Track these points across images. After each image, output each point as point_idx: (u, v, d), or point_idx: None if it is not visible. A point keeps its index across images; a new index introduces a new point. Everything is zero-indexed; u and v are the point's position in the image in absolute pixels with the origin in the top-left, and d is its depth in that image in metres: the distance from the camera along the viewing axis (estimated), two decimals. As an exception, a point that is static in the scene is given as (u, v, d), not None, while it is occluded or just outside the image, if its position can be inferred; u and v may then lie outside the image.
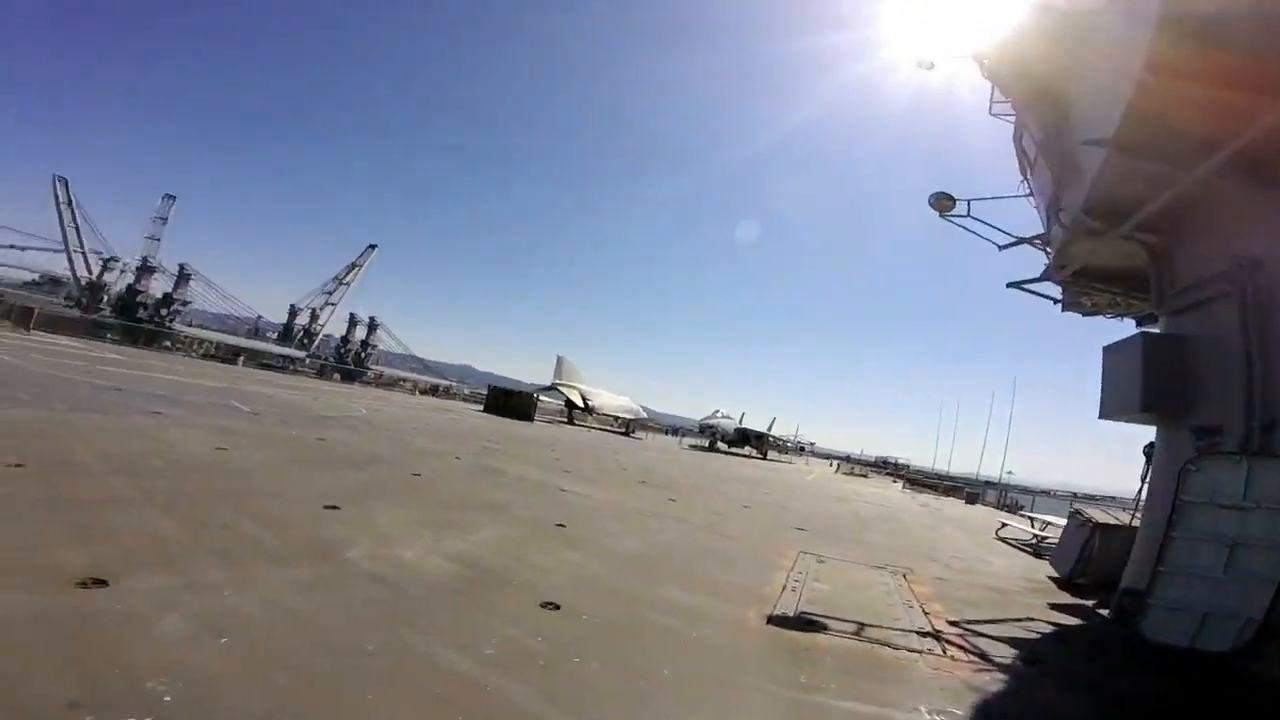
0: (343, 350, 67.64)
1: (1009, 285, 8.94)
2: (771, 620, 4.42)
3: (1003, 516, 18.00)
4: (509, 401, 33.79)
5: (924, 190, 8.85)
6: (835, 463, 64.55)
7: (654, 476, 14.21)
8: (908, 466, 66.15)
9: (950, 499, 30.46)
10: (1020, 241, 8.82)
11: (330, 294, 69.38)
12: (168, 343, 44.56)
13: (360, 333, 68.64)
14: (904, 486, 34.95)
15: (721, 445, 44.61)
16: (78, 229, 56.91)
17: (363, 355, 68.26)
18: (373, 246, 72.37)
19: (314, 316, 68.49)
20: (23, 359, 13.21)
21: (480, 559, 4.48)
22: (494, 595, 3.81)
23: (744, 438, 45.66)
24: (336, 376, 53.71)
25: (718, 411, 46.44)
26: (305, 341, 66.60)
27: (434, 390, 63.35)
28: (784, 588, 5.42)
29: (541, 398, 41.16)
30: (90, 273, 57.45)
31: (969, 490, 32.88)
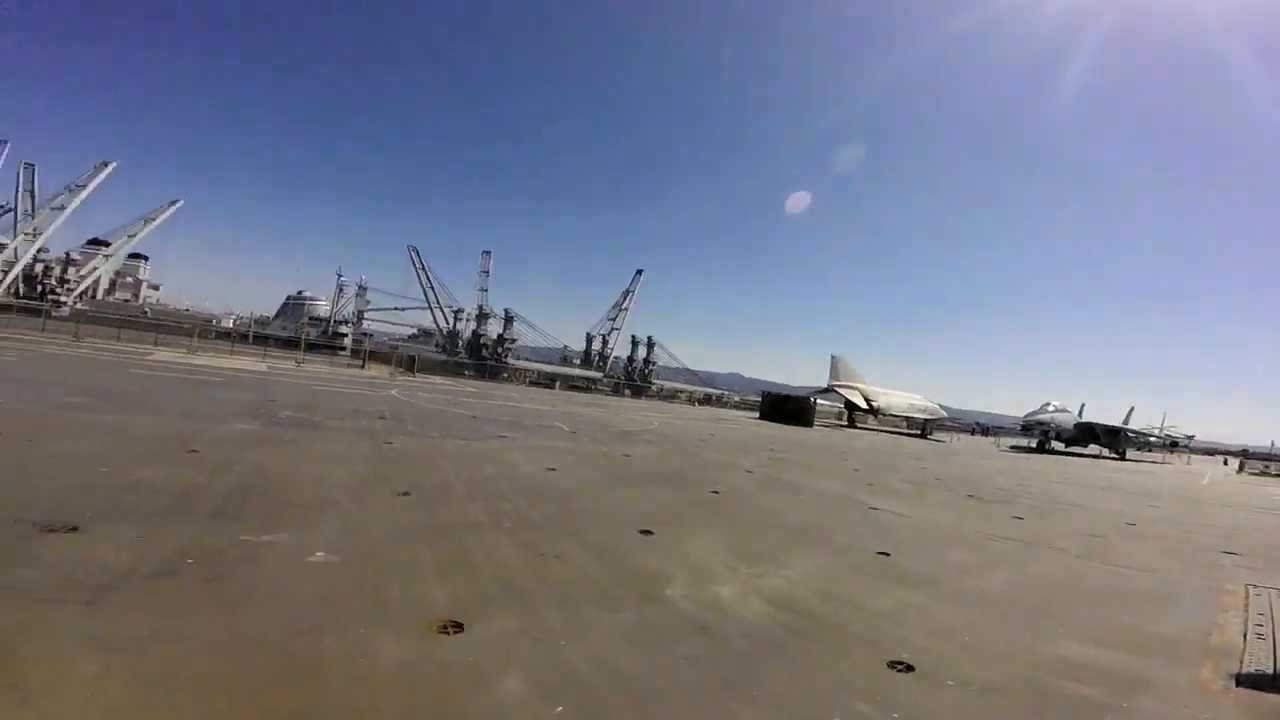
0: (630, 368, 74.95)
1: None
2: (1242, 682, 3.17)
3: None
4: (785, 407, 33.23)
5: None
6: (1229, 460, 49.43)
7: (982, 489, 12.12)
8: None
9: None
10: None
11: (614, 320, 77.58)
12: (505, 374, 53.69)
13: (641, 352, 75.57)
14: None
15: (1056, 445, 37.43)
16: (434, 289, 72.60)
17: (646, 372, 74.87)
18: (639, 271, 78.47)
19: (604, 342, 77.10)
20: (410, 396, 16.94)
21: (801, 600, 3.95)
22: (827, 651, 3.25)
23: (1089, 434, 37.58)
24: (627, 392, 59.05)
25: (1048, 405, 38.17)
26: (600, 364, 75.31)
27: (707, 399, 65.65)
28: (1245, 635, 3.96)
29: (819, 401, 39.41)
30: (448, 323, 73.30)
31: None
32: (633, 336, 76.35)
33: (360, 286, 74.00)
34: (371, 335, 76.47)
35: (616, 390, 60.73)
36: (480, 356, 64.33)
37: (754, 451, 14.06)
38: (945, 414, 49.04)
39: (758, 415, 34.93)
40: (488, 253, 73.39)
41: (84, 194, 60.74)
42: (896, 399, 43.18)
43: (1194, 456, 49.49)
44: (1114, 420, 41.91)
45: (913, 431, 40.67)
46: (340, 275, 72.81)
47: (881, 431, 37.82)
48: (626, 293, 77.58)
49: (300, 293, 78.20)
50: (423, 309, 74.33)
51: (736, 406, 55.75)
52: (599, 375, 70.88)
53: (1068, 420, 38.40)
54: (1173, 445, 47.19)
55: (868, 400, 40.94)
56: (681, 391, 70.88)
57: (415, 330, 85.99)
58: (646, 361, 75.76)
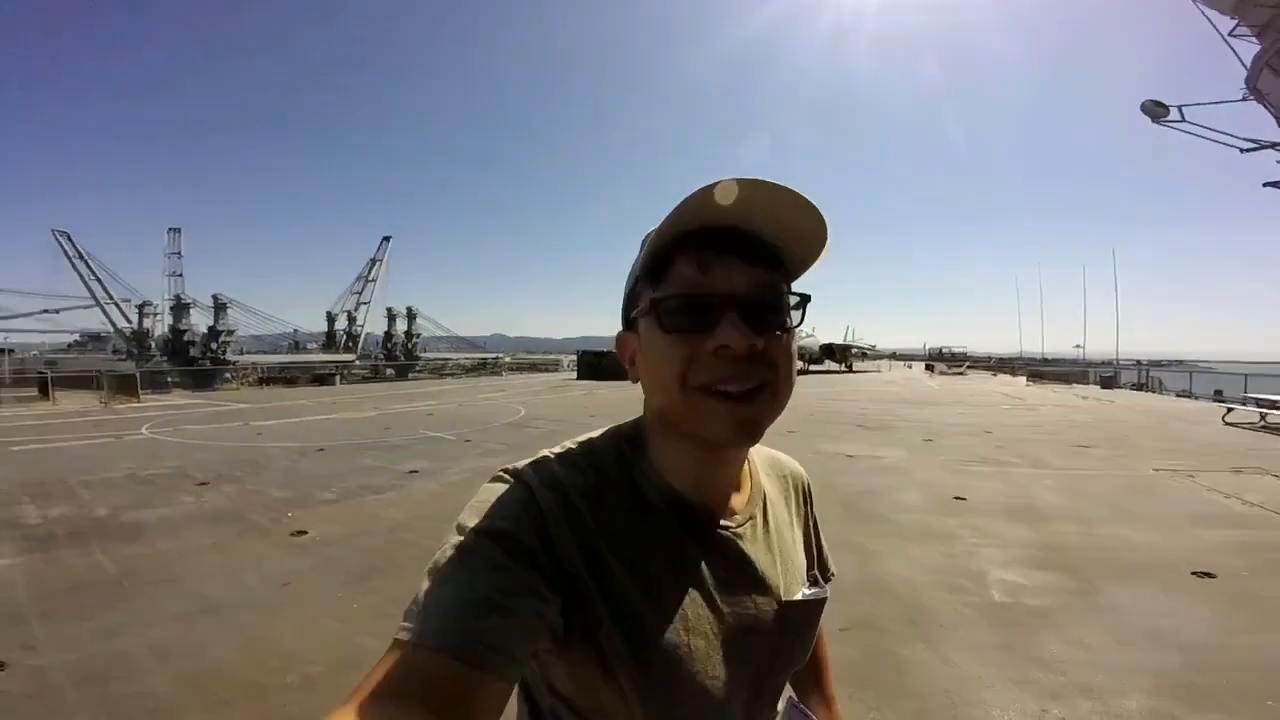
0: (390, 346, 67.43)
1: (1266, 185, 10.30)
2: None
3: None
4: (601, 363, 32.06)
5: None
6: (911, 365, 62.19)
7: (837, 417, 12.68)
8: (1002, 358, 63.48)
9: (1088, 389, 28.61)
10: (1263, 146, 9.82)
11: (359, 293, 68.70)
12: (227, 375, 43.77)
13: (401, 325, 68.34)
14: (1027, 381, 32.64)
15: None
16: (100, 281, 56.03)
17: (411, 347, 68.17)
18: (387, 239, 70.64)
19: (351, 319, 68.02)
20: (183, 436, 12.06)
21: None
22: None
23: (830, 353, 44.47)
24: (390, 372, 52.75)
25: (801, 331, 44.33)
26: (350, 345, 66.31)
27: (483, 367, 62.15)
28: None
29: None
30: (129, 321, 57.19)
31: (1102, 375, 30.43)
32: (388, 309, 68.49)
33: (-17, 289, 53.58)
34: (12, 350, 56.65)
35: (376, 373, 53.87)
36: (188, 358, 51.35)
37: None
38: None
39: (575, 376, 34.22)
40: (176, 230, 58.17)
41: None
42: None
43: (882, 363, 61.13)
44: (835, 338, 50.20)
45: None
46: (-53, 277, 51.37)
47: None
48: (373, 262, 69.02)
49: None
50: (87, 307, 56.89)
51: (523, 370, 53.47)
52: (351, 358, 62.18)
53: (814, 344, 45.10)
54: (862, 355, 57.79)
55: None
56: (448, 361, 66.06)
57: (78, 336, 65.97)
58: (408, 335, 68.73)
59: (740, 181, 0.54)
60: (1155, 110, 10.16)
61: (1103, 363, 39.03)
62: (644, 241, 0.62)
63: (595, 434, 0.71)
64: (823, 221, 0.59)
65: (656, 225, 0.58)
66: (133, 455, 9.20)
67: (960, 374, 42.81)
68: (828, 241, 0.61)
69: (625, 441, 0.69)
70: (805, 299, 0.63)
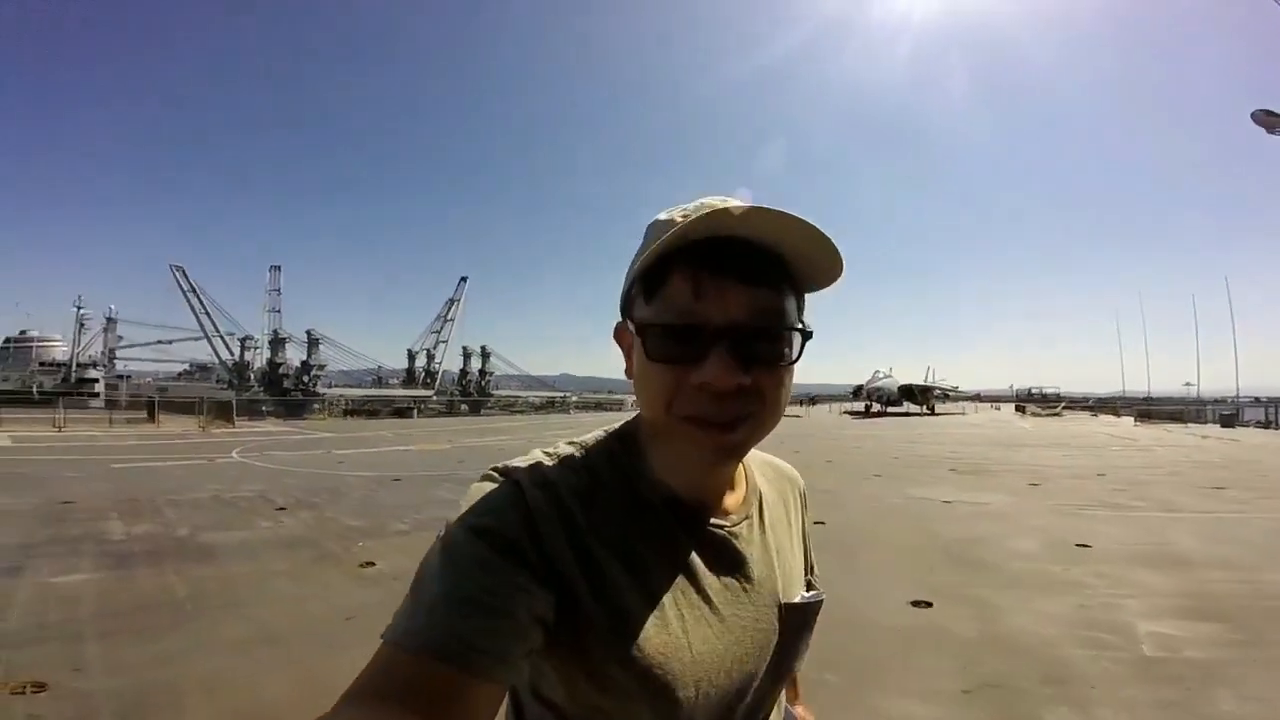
0: (464, 383, 69.54)
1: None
2: None
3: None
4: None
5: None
6: (999, 406, 58.68)
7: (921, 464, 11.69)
8: (1101, 398, 58.63)
9: (1206, 428, 25.83)
10: None
11: (438, 332, 71.41)
12: (316, 406, 46.00)
13: (475, 363, 70.50)
14: (1135, 421, 29.93)
15: (875, 407, 41.65)
16: (209, 315, 60.67)
17: (484, 384, 70.10)
18: (464, 279, 73.32)
19: (430, 356, 70.65)
20: (271, 461, 12.53)
21: None
22: None
23: (909, 394, 42.56)
24: (464, 408, 54.25)
25: (878, 372, 43.31)
26: (429, 381, 68.78)
27: (551, 405, 62.93)
28: None
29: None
30: (231, 354, 61.61)
31: (1222, 414, 27.53)
32: (464, 347, 70.95)
33: (108, 319, 59.56)
34: (129, 377, 62.33)
35: (451, 408, 55.44)
36: (282, 389, 54.67)
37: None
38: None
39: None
40: (277, 268, 62.67)
41: None
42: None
43: (966, 405, 57.72)
44: (914, 379, 47.76)
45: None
46: (80, 307, 57.72)
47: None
48: (451, 302, 71.76)
49: (24, 333, 61.80)
50: (196, 339, 61.72)
51: (590, 409, 53.92)
52: (429, 394, 64.40)
53: (893, 385, 43.41)
54: (943, 397, 54.55)
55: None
56: (518, 399, 67.35)
57: (188, 365, 71.84)
58: (482, 373, 70.84)
59: (750, 208, 0.52)
60: (1269, 120, 9.10)
61: (1219, 400, 35.48)
62: (648, 230, 0.61)
63: (590, 435, 0.68)
64: (836, 251, 0.56)
65: (661, 215, 0.58)
66: (220, 478, 9.55)
67: (1056, 415, 40.04)
68: (842, 268, 0.58)
69: (619, 441, 0.67)
70: (807, 335, 0.59)
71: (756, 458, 0.80)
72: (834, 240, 0.55)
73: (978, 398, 55.52)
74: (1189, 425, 26.88)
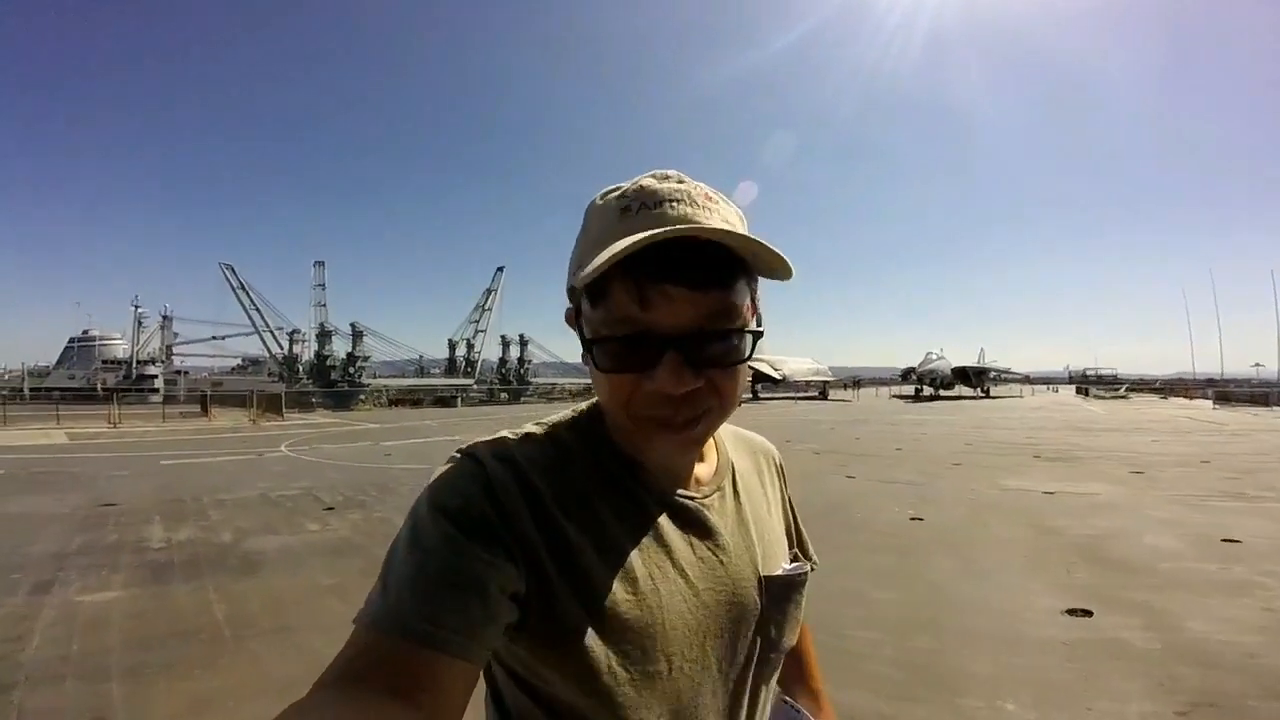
0: (503, 371, 70.11)
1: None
2: None
3: None
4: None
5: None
6: (1057, 389, 56.25)
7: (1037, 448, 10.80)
8: (1167, 379, 55.42)
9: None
10: None
11: (477, 322, 71.96)
12: (361, 396, 46.74)
13: (514, 352, 70.98)
14: (1214, 404, 28.01)
15: (926, 390, 40.12)
16: (259, 310, 62.21)
17: (523, 372, 70.57)
18: (500, 269, 73.54)
19: (470, 346, 71.32)
20: (320, 456, 12.31)
21: None
22: None
23: (963, 377, 40.84)
24: (504, 396, 54.75)
25: (930, 354, 41.46)
26: (469, 370, 69.50)
27: (588, 391, 62.42)
28: None
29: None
30: (280, 347, 63.21)
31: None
32: (502, 336, 71.40)
33: (164, 317, 61.86)
34: (186, 373, 64.63)
35: (492, 396, 55.77)
36: (329, 380, 55.94)
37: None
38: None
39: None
40: (320, 263, 63.86)
41: None
42: (796, 364, 43.48)
43: (1020, 387, 54.96)
44: (969, 360, 45.76)
45: (812, 394, 41.19)
46: (137, 306, 60.04)
47: (792, 399, 37.51)
48: (488, 292, 72.17)
49: (86, 332, 64.13)
50: (247, 334, 63.54)
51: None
52: (469, 382, 65.03)
53: (945, 367, 41.60)
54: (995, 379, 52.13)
55: (774, 369, 40.56)
56: (555, 385, 67.57)
57: (240, 360, 74.18)
58: (521, 361, 71.27)
59: (673, 233, 0.50)
60: None
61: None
62: (587, 214, 0.59)
63: (558, 414, 0.67)
64: (784, 260, 0.53)
65: (596, 198, 0.57)
66: (268, 474, 9.25)
67: (1122, 398, 38.04)
68: (790, 270, 0.55)
69: (588, 417, 0.66)
70: (757, 335, 0.58)
71: (728, 431, 0.78)
72: (775, 246, 0.52)
73: (1026, 380, 53.02)
74: (1275, 408, 24.96)
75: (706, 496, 0.66)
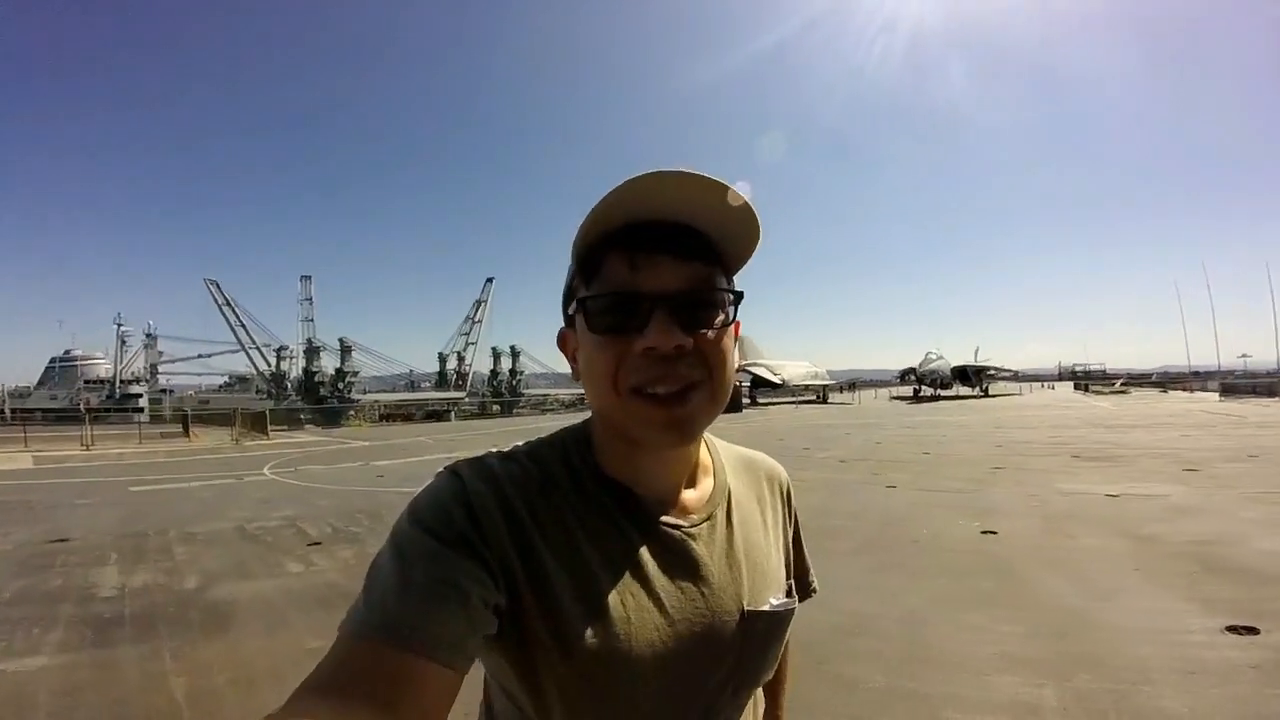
0: (495, 383, 69.20)
1: None
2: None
3: None
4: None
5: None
6: (1053, 385, 56.10)
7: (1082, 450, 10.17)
8: (1166, 373, 55.64)
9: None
10: None
11: (467, 334, 71.08)
12: (351, 412, 45.75)
13: (505, 364, 70.04)
14: (1220, 397, 27.71)
15: (925, 391, 39.67)
16: (244, 326, 60.97)
17: (515, 384, 69.67)
18: (490, 280, 72.82)
19: (460, 359, 70.43)
20: (306, 479, 11.39)
21: None
22: None
23: (963, 376, 40.45)
24: (496, 408, 54.04)
25: (930, 354, 40.97)
26: (460, 383, 68.55)
27: (581, 401, 61.91)
28: None
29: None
30: (268, 364, 61.95)
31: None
32: (493, 348, 70.49)
33: (148, 335, 60.50)
34: (172, 391, 63.26)
35: (484, 409, 54.85)
36: (318, 397, 54.81)
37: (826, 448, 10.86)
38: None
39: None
40: (307, 278, 62.91)
41: None
42: (793, 369, 42.85)
43: (1014, 385, 54.59)
44: (962, 359, 45.27)
45: (810, 398, 40.57)
46: (120, 324, 58.58)
47: (792, 403, 36.83)
48: (478, 303, 71.34)
49: (68, 352, 62.71)
50: (234, 351, 62.38)
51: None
52: (461, 395, 64.00)
53: (945, 366, 41.19)
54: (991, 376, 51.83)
55: (773, 373, 39.91)
56: (548, 397, 66.79)
57: (227, 378, 72.79)
58: (512, 372, 70.32)
59: (671, 174, 0.53)
60: None
61: (1269, 373, 32.67)
62: (580, 233, 0.60)
63: (544, 435, 0.68)
64: (754, 218, 0.58)
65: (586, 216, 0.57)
66: (247, 501, 8.30)
67: (1121, 393, 37.79)
68: (759, 238, 0.60)
69: (571, 437, 0.67)
70: (738, 296, 0.61)
71: (730, 452, 0.77)
72: (748, 200, 0.56)
73: (1016, 376, 52.59)
74: (1280, 398, 24.65)
75: (695, 525, 0.65)
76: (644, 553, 0.61)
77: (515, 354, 71.40)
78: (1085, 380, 51.52)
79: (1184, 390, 36.36)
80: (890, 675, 3.00)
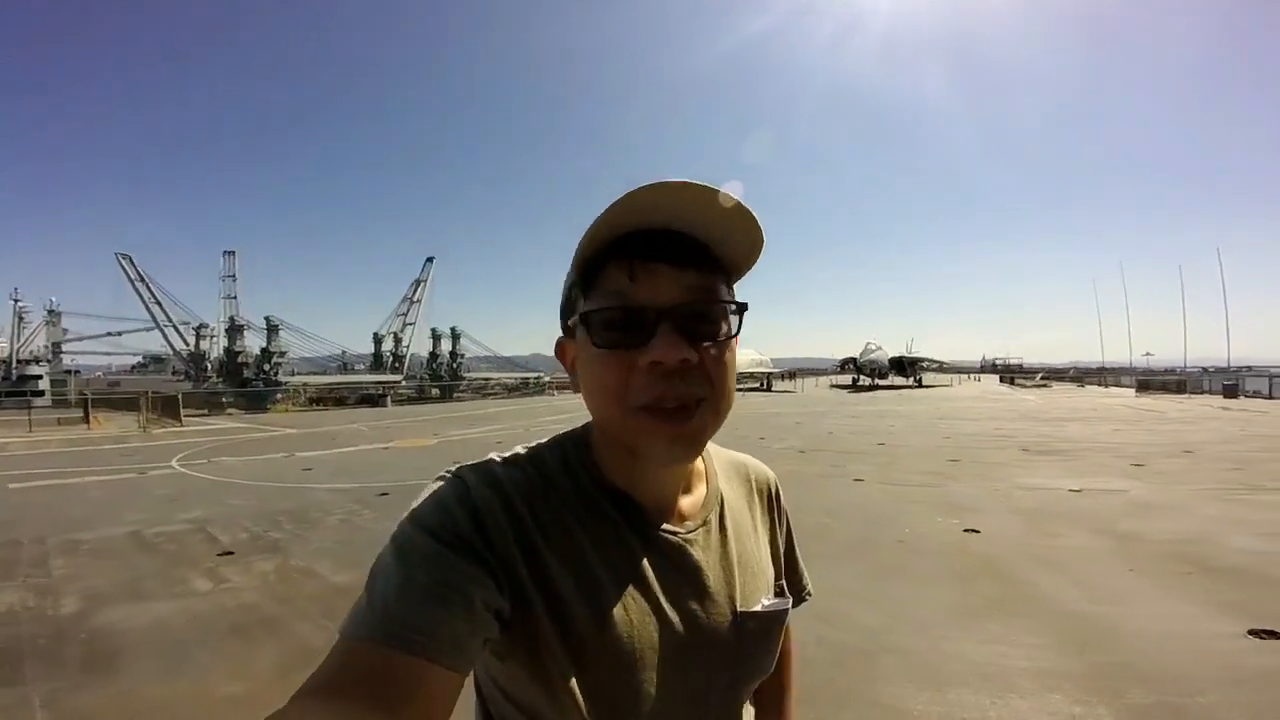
0: (434, 366, 67.02)
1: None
2: None
3: None
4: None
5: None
6: (980, 377, 58.95)
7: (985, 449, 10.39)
8: (1080, 368, 59.54)
9: (1211, 399, 25.35)
10: None
11: (405, 314, 68.46)
12: (278, 395, 43.31)
13: (445, 345, 67.86)
14: (1136, 392, 29.52)
15: (863, 380, 40.95)
16: (160, 304, 56.69)
17: (455, 367, 67.66)
18: (430, 259, 70.38)
19: (397, 340, 67.82)
20: (221, 474, 10.29)
21: None
22: None
23: (899, 367, 42.16)
24: (435, 392, 52.48)
25: (869, 344, 42.33)
26: (396, 365, 66.04)
27: (525, 386, 61.14)
28: None
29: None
30: (186, 343, 57.79)
31: (1225, 384, 26.83)
32: (433, 329, 68.08)
33: (50, 312, 55.25)
34: (78, 372, 58.18)
35: (422, 393, 52.96)
36: (242, 379, 51.50)
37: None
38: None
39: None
40: (231, 253, 58.88)
41: None
42: (741, 357, 42.57)
43: (941, 377, 56.55)
44: (896, 351, 46.98)
45: (755, 385, 41.04)
46: (17, 299, 53.25)
47: (740, 391, 36.85)
48: (417, 283, 68.76)
49: (-48, 330, 56.12)
50: (148, 330, 57.93)
51: (561, 389, 52.02)
52: (398, 379, 61.59)
53: (884, 357, 42.75)
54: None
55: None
56: (490, 380, 65.31)
57: (140, 358, 67.60)
58: (453, 355, 68.16)
59: (666, 184, 0.53)
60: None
61: (1169, 370, 35.37)
62: (580, 245, 0.59)
63: (545, 439, 0.69)
64: (755, 222, 0.57)
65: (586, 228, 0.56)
66: (149, 500, 7.26)
67: (1044, 386, 40.12)
68: (763, 243, 0.59)
69: (572, 443, 0.67)
70: (742, 307, 0.60)
71: (722, 457, 0.79)
72: (750, 209, 0.56)
73: (941, 368, 54.97)
74: (1190, 396, 26.61)
75: (691, 532, 0.66)
76: (645, 559, 0.62)
77: (456, 336, 69.25)
78: (1010, 374, 54.19)
79: (1100, 385, 38.69)
80: (934, 698, 2.71)
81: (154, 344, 61.13)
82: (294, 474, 9.29)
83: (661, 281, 0.55)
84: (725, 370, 0.58)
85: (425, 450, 11.94)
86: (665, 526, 0.64)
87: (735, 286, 0.63)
